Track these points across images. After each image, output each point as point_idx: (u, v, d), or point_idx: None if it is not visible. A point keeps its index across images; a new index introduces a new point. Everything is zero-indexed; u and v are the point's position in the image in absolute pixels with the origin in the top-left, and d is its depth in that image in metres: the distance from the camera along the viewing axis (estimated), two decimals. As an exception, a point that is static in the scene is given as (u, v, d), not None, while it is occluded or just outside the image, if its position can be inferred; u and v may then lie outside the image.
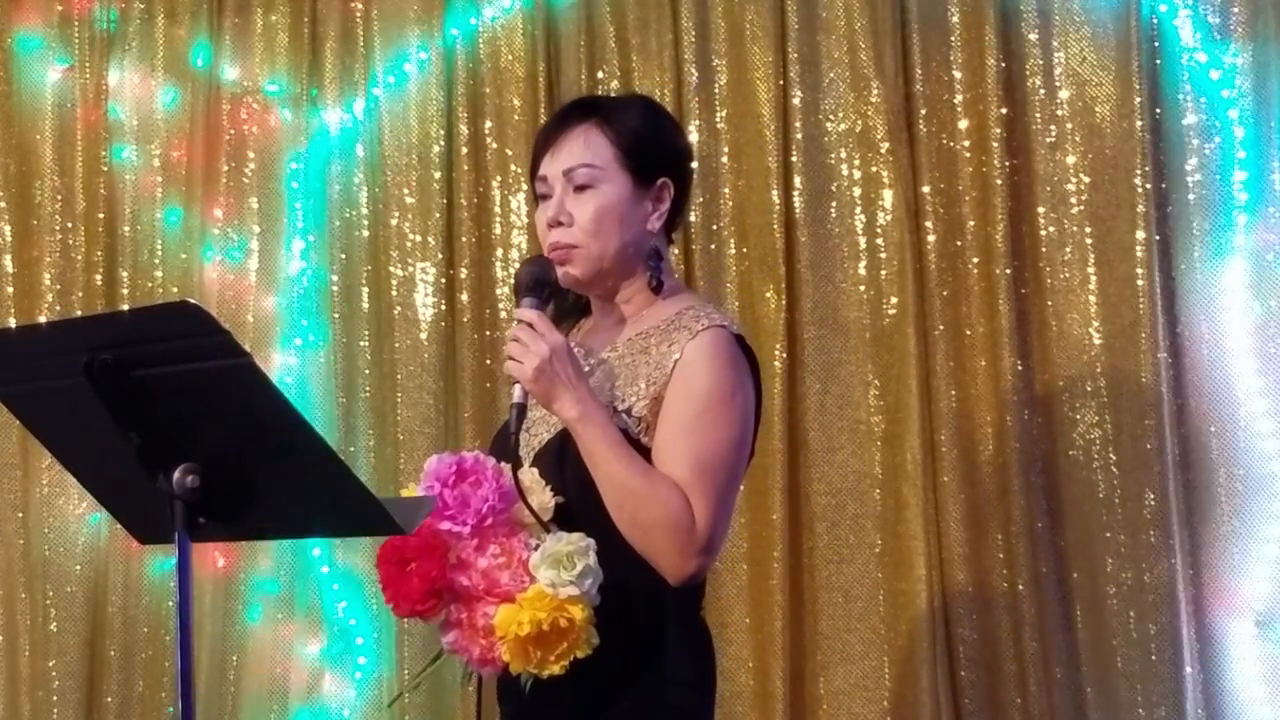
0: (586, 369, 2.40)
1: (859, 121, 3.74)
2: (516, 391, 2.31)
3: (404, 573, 2.24)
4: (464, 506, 2.23)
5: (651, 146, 2.45)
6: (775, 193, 3.72)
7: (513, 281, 2.40)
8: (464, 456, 2.27)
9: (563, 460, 2.34)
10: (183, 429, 1.99)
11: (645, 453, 2.32)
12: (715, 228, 3.76)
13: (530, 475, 2.31)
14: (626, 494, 2.27)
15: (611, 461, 2.27)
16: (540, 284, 2.37)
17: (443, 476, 2.25)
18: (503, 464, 2.29)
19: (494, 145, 3.89)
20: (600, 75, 3.86)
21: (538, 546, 2.22)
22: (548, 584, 2.18)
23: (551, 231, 2.42)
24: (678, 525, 2.27)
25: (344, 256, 3.94)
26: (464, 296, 3.85)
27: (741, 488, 2.59)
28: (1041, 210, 3.67)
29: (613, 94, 3.80)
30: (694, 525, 2.28)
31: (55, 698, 3.89)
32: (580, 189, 2.41)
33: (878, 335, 3.70)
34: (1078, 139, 3.67)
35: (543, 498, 2.28)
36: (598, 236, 2.40)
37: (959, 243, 3.69)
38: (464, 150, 3.88)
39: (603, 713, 2.31)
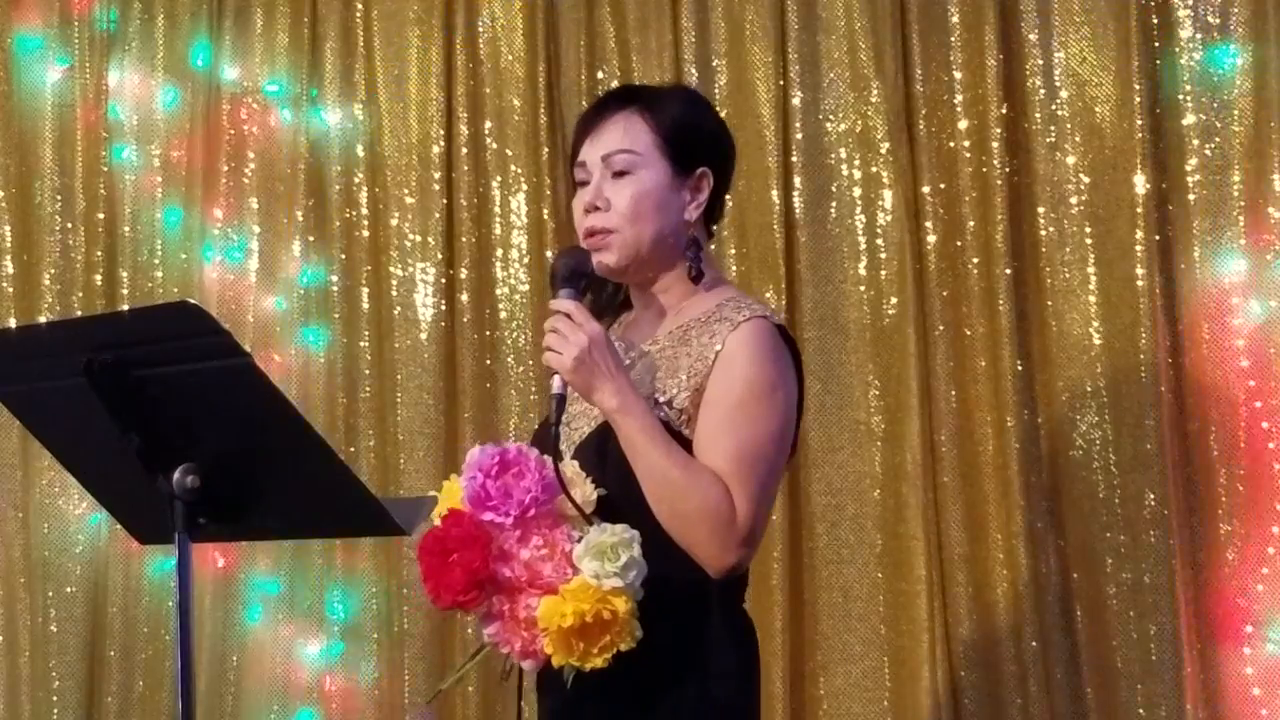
0: (627, 362, 2.38)
1: (859, 121, 3.74)
2: (556, 382, 2.28)
3: (446, 564, 2.22)
4: (506, 498, 2.21)
5: (692, 135, 2.44)
6: (775, 193, 3.72)
7: (549, 272, 2.38)
8: (507, 448, 2.25)
9: (603, 453, 2.32)
10: (183, 429, 2.00)
11: (686, 444, 2.31)
12: (715, 227, 3.74)
13: (571, 467, 2.29)
14: (666, 485, 2.25)
15: (651, 452, 2.25)
16: (577, 275, 2.34)
17: (485, 467, 2.22)
18: (545, 456, 2.26)
19: (494, 145, 3.89)
20: (600, 75, 3.86)
21: (580, 539, 2.20)
22: (591, 575, 2.16)
23: (587, 216, 2.41)
24: (718, 516, 2.25)
25: (344, 256, 3.94)
26: (464, 296, 3.85)
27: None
28: (1041, 210, 3.67)
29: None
30: (734, 517, 2.26)
31: (55, 698, 3.89)
32: (618, 175, 2.40)
33: (878, 335, 3.70)
34: (1078, 139, 3.67)
35: (585, 489, 2.27)
36: (634, 222, 2.38)
37: (959, 243, 3.69)
38: (464, 150, 3.88)
39: (648, 707, 2.29)
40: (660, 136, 2.41)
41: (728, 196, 2.55)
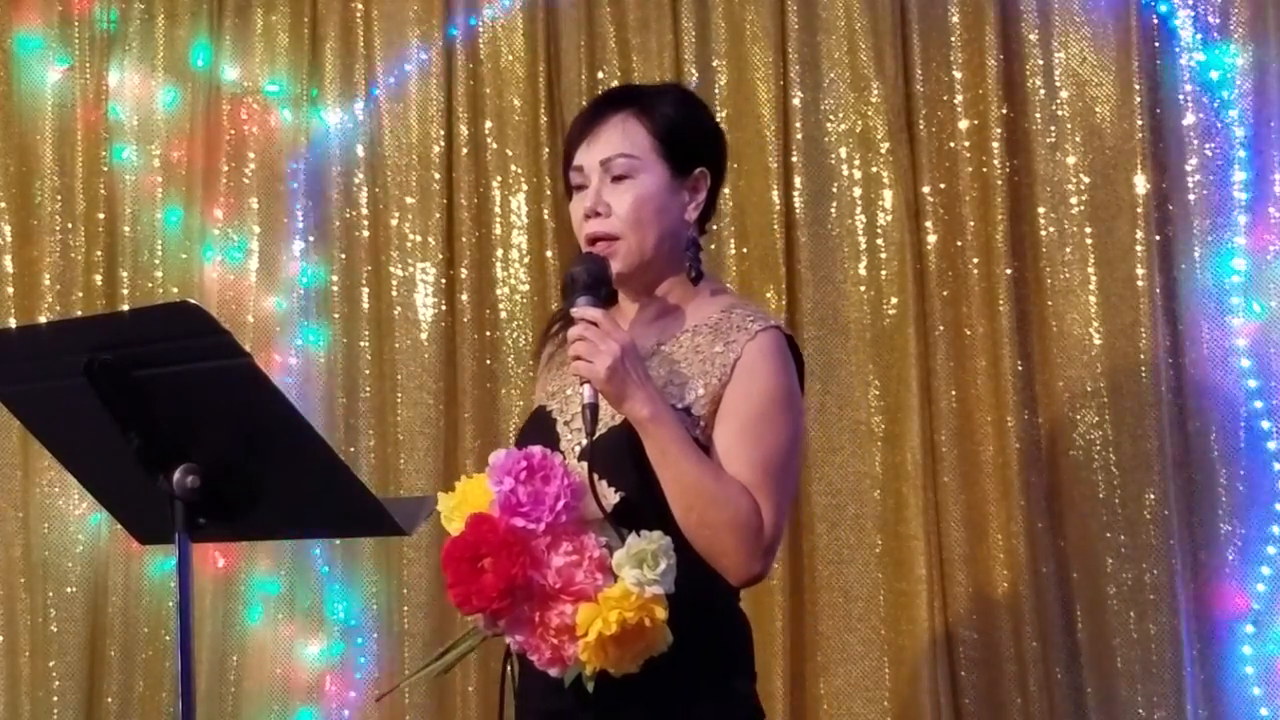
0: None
1: (859, 121, 3.74)
2: (587, 392, 2.25)
3: (475, 570, 2.18)
4: (537, 503, 2.18)
5: (689, 135, 2.42)
6: (775, 193, 3.72)
7: (564, 279, 2.36)
8: (531, 452, 2.22)
9: (623, 458, 2.29)
10: (183, 429, 2.00)
11: (705, 451, 2.30)
12: (715, 228, 3.74)
13: (581, 470, 2.27)
14: (697, 494, 2.24)
15: (682, 461, 2.24)
16: (599, 282, 2.32)
17: (513, 472, 2.19)
18: (567, 461, 2.25)
19: (494, 145, 3.89)
20: (600, 75, 3.86)
21: (606, 544, 2.19)
22: (633, 583, 2.15)
23: (588, 222, 2.38)
24: (747, 527, 2.25)
25: (344, 256, 3.94)
26: (464, 296, 3.85)
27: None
28: (1041, 210, 3.67)
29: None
30: (762, 527, 2.26)
31: (55, 698, 3.88)
32: (618, 179, 2.38)
33: (878, 335, 3.70)
34: (1078, 139, 3.67)
35: (604, 491, 2.25)
36: (637, 227, 2.36)
37: (959, 243, 3.69)
38: (464, 150, 3.88)
39: (675, 707, 2.27)
40: (657, 139, 2.39)
41: (724, 193, 2.51)
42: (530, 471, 2.20)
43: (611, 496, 2.26)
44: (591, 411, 2.25)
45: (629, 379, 2.23)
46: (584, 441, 2.32)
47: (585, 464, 2.28)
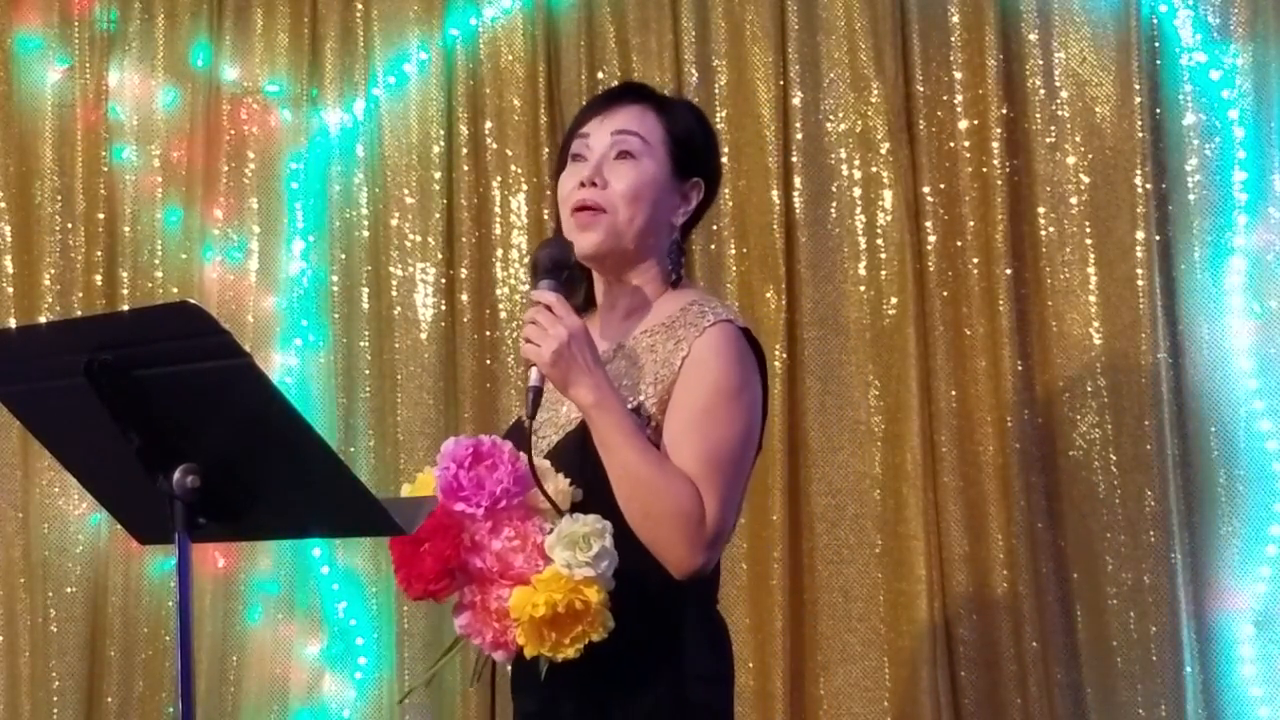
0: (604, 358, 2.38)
1: (859, 121, 3.74)
2: (533, 375, 2.27)
3: (418, 552, 2.22)
4: (478, 489, 2.21)
5: (698, 145, 2.47)
6: (775, 193, 3.72)
7: (529, 262, 2.38)
8: (481, 440, 2.25)
9: (583, 454, 2.30)
10: (183, 429, 1.99)
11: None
12: (715, 228, 3.75)
13: (543, 464, 2.29)
14: (638, 484, 2.24)
15: (625, 450, 2.25)
16: (559, 266, 2.32)
17: (459, 458, 2.23)
18: (518, 449, 2.27)
19: (494, 145, 3.89)
20: (600, 75, 3.86)
21: (552, 530, 2.21)
22: (563, 565, 2.17)
23: (580, 190, 2.39)
24: (689, 518, 2.25)
25: (344, 256, 3.94)
26: (464, 296, 3.85)
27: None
28: (1041, 210, 3.68)
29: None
30: (704, 519, 2.26)
31: (55, 698, 3.88)
32: (623, 156, 2.40)
33: (878, 335, 3.70)
34: (1078, 139, 3.67)
35: (557, 483, 2.27)
36: (629, 204, 2.38)
37: (959, 243, 3.69)
38: (464, 150, 3.88)
39: (624, 708, 2.29)
40: (670, 134, 2.43)
41: (724, 193, 2.53)
42: (476, 458, 2.23)
43: (563, 485, 2.27)
44: (534, 394, 2.27)
45: (574, 364, 2.25)
46: (552, 440, 2.36)
47: (537, 453, 2.30)
